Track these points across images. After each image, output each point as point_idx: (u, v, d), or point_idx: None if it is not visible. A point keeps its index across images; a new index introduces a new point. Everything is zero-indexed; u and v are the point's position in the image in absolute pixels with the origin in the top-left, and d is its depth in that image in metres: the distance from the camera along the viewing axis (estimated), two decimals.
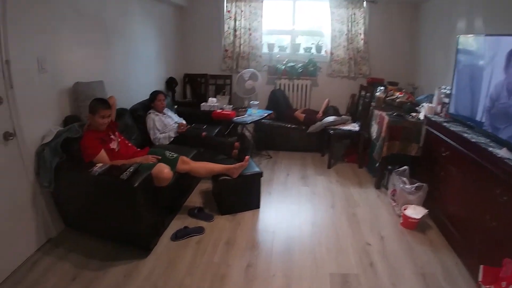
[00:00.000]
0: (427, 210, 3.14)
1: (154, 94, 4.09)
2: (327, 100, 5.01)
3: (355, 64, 5.41)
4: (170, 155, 3.23)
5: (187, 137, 4.01)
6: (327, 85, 5.59)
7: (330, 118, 4.69)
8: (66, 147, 2.77)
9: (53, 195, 2.85)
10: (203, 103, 5.00)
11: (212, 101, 4.99)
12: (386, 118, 3.74)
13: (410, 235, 3.09)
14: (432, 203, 3.26)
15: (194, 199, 3.71)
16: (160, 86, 5.07)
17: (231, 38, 5.50)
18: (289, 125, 5.00)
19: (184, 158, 3.29)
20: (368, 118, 4.36)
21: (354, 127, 4.64)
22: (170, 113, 4.32)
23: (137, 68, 4.34)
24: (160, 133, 4.01)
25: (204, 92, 5.63)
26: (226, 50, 5.58)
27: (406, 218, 3.16)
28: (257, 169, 3.44)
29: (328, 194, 3.92)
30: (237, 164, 3.27)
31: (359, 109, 4.78)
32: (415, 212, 3.15)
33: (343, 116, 4.86)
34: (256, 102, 4.82)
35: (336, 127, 4.65)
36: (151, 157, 3.08)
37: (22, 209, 2.62)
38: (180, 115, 4.61)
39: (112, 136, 3.06)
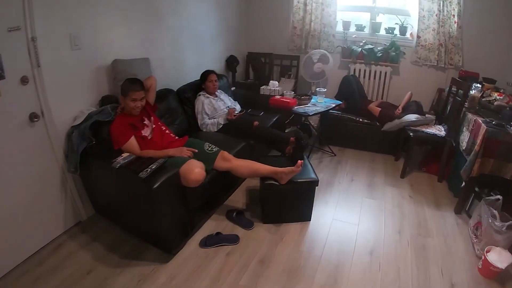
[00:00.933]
0: None
1: (205, 74, 3.68)
2: (409, 93, 4.23)
3: (445, 52, 4.49)
4: (209, 149, 2.84)
5: (237, 126, 3.56)
6: (410, 75, 4.76)
7: (412, 117, 3.95)
8: (96, 131, 2.61)
9: (82, 179, 2.78)
10: (263, 86, 4.52)
11: (274, 84, 4.49)
12: (484, 127, 2.98)
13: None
14: None
15: (237, 198, 3.34)
16: (219, 65, 4.68)
17: (301, 13, 4.86)
18: (360, 119, 4.33)
19: (225, 153, 2.87)
20: (458, 121, 3.58)
21: (440, 130, 3.88)
22: (224, 96, 3.90)
23: (191, 45, 4.00)
24: (209, 118, 3.62)
25: (268, 74, 5.14)
26: (295, 27, 4.95)
27: (487, 264, 2.49)
28: (313, 176, 2.92)
29: (397, 213, 3.28)
30: (288, 168, 2.76)
31: (448, 109, 3.99)
32: (500, 258, 2.50)
33: (427, 116, 4.07)
34: (324, 90, 4.17)
35: (418, 128, 3.91)
36: (186, 150, 2.73)
37: (51, 192, 2.61)
38: (236, 98, 4.19)
39: (146, 122, 2.77)
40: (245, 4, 5.15)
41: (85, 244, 2.66)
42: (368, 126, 4.32)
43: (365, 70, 4.78)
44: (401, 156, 4.33)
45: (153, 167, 2.30)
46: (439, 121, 4.13)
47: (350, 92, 4.43)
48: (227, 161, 2.83)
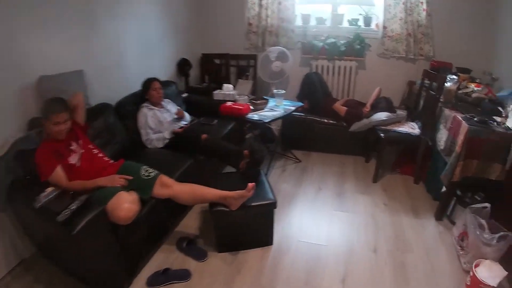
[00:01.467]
0: (506, 273, 2.11)
1: (147, 82, 3.13)
2: (378, 89, 3.77)
3: (414, 42, 4.06)
4: (146, 174, 2.33)
5: (184, 140, 3.04)
6: (377, 68, 4.31)
7: (381, 115, 3.50)
8: (23, 161, 2.17)
9: (16, 216, 2.35)
10: (216, 91, 3.98)
11: (228, 88, 3.95)
12: (465, 126, 2.55)
13: None
14: None
15: (190, 222, 2.85)
16: (169, 70, 4.12)
17: (256, 8, 4.31)
18: (325, 120, 3.85)
19: (165, 178, 2.35)
20: (433, 118, 3.15)
21: (413, 128, 3.44)
22: (171, 106, 3.34)
23: (135, 51, 3.46)
24: (154, 133, 3.07)
25: (225, 76, 4.61)
26: (250, 24, 4.40)
27: (476, 281, 2.11)
28: (269, 196, 2.44)
29: (371, 226, 2.83)
30: (237, 192, 2.26)
31: (420, 104, 3.56)
32: (490, 273, 2.12)
33: (398, 112, 3.61)
34: (282, 92, 3.63)
35: (389, 127, 3.46)
36: (118, 178, 2.21)
37: None
38: (189, 106, 3.69)
39: (73, 147, 2.27)
40: (196, 1, 4.57)
41: (29, 286, 2.28)
42: (334, 127, 3.84)
43: (328, 66, 4.28)
44: (372, 157, 3.90)
45: (73, 207, 1.89)
46: (411, 118, 3.69)
47: (312, 91, 3.94)
48: (167, 187, 2.32)
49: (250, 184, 2.24)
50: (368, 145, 3.85)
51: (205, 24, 4.65)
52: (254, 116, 3.31)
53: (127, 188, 2.19)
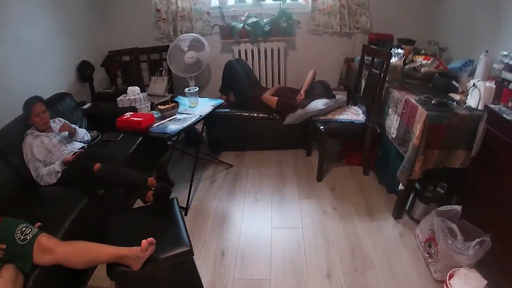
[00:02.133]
0: (486, 281, 1.72)
1: (27, 107, 2.27)
2: (312, 72, 3.12)
3: (349, 14, 3.47)
4: (22, 238, 1.54)
5: (74, 173, 2.22)
6: (309, 48, 3.67)
7: (319, 104, 2.86)
8: None
9: None
10: (120, 97, 3.14)
11: (133, 91, 3.10)
12: (423, 112, 1.99)
13: None
14: (493, 261, 1.80)
15: (103, 273, 1.95)
16: (67, 78, 3.19)
17: None
18: (255, 114, 3.18)
19: (43, 240, 1.57)
20: (379, 101, 2.57)
21: (357, 114, 2.85)
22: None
23: (18, 61, 2.57)
24: (44, 165, 2.24)
25: (136, 74, 3.76)
26: (158, 10, 3.54)
27: None
28: (183, 241, 1.71)
29: (320, 243, 2.26)
30: (131, 251, 1.54)
31: (362, 84, 2.97)
32: (468, 284, 1.73)
33: (338, 97, 3.00)
34: (195, 89, 2.80)
35: (328, 116, 2.86)
36: None
37: None
38: (92, 118, 2.94)
39: None
40: None
41: None
42: (266, 122, 3.19)
43: (252, 50, 3.57)
44: (314, 149, 3.31)
45: None
46: (353, 101, 3.11)
47: (236, 81, 3.23)
48: (47, 252, 1.55)
49: (144, 242, 1.51)
50: (307, 136, 3.24)
51: (109, 18, 3.68)
52: (158, 128, 2.40)
53: (2, 260, 1.51)
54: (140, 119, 2.34)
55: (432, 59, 2.56)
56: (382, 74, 2.45)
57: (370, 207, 2.54)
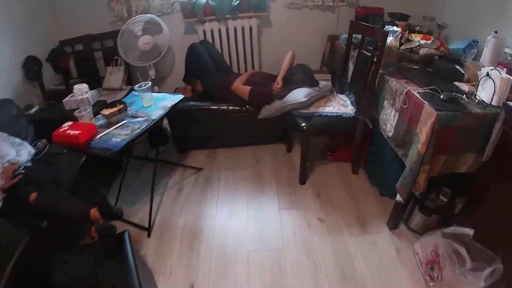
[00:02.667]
0: None
1: None
2: (290, 53, 2.59)
3: None
4: None
5: (14, 202, 1.73)
6: (286, 25, 3.12)
7: (299, 94, 2.35)
8: None
9: None
10: (66, 98, 2.57)
11: (80, 90, 2.54)
12: (430, 111, 1.54)
13: None
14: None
15: None
16: (11, 78, 2.58)
17: None
18: (225, 107, 2.66)
19: None
20: (372, 90, 2.10)
21: (345, 105, 2.38)
22: (4, 145, 1.98)
23: None
24: None
25: (92, 65, 3.15)
26: None
27: None
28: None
29: (306, 265, 1.88)
30: None
31: (350, 68, 2.49)
32: None
33: (322, 84, 2.49)
34: (147, 85, 2.19)
35: (311, 110, 2.38)
36: None
37: None
38: (40, 125, 2.40)
39: None
40: None
41: None
42: (239, 115, 2.68)
43: (220, 30, 3.01)
44: (296, 142, 2.88)
45: None
46: (339, 87, 2.63)
47: (201, 68, 2.69)
48: None
49: None
50: (287, 128, 2.76)
51: (57, 3, 3.00)
52: (100, 143, 1.85)
53: None
54: (77, 132, 1.81)
55: (432, 38, 2.07)
56: (376, 58, 1.96)
57: (361, 216, 2.15)
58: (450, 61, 1.94)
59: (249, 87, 2.52)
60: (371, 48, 2.12)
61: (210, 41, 2.93)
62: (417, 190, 1.67)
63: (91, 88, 2.63)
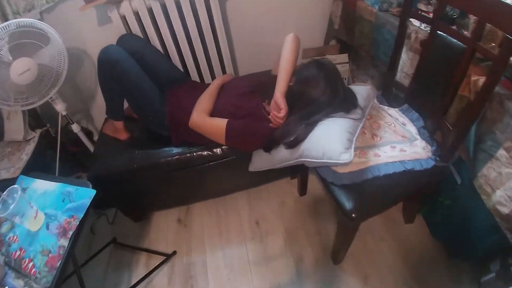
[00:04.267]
0: None
1: None
2: (290, 40, 1.29)
3: None
4: None
5: None
6: None
7: (332, 139, 1.09)
8: None
9: None
10: None
11: None
12: None
13: None
14: None
15: None
16: None
17: None
18: (188, 154, 1.43)
19: None
20: (471, 118, 0.95)
21: (411, 138, 1.21)
22: None
23: None
24: None
25: None
26: None
27: None
28: None
29: None
30: None
31: (405, 61, 1.27)
32: None
33: (361, 96, 1.25)
34: (13, 192, 1.03)
35: (356, 161, 1.10)
36: None
37: None
38: None
39: None
40: None
41: None
42: (216, 163, 1.48)
43: (151, 10, 1.56)
44: (311, 173, 1.73)
45: None
46: (387, 96, 1.43)
47: (127, 93, 1.43)
48: None
49: None
50: None
51: None
52: None
53: None
54: None
55: None
56: (500, 61, 0.80)
57: None
58: None
59: (224, 123, 1.28)
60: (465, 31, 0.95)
61: (139, 33, 1.59)
62: None
63: None
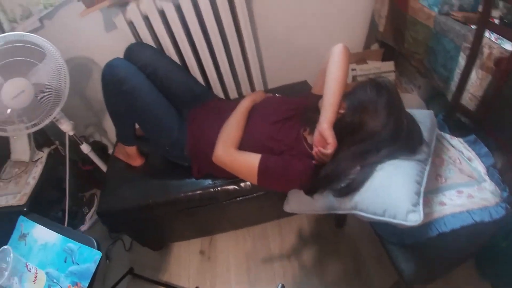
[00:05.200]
0: None
1: None
2: (338, 52, 0.98)
3: None
4: None
5: None
6: None
7: (398, 190, 0.84)
8: None
9: None
10: None
11: None
12: None
13: None
14: None
15: None
16: None
17: None
18: (212, 189, 1.20)
19: None
20: None
21: (479, 179, 0.94)
22: None
23: None
24: None
25: None
26: None
27: None
28: None
29: None
30: None
31: (475, 80, 0.98)
32: None
33: (425, 126, 0.96)
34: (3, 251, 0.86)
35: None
36: None
37: None
38: None
39: None
40: None
41: None
42: (244, 199, 1.24)
43: (163, 12, 1.29)
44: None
45: None
46: (453, 127, 1.13)
47: (140, 118, 1.18)
48: None
49: None
50: None
51: None
52: None
53: None
54: None
55: None
56: None
57: None
58: None
59: (257, 161, 1.01)
60: None
61: (151, 42, 1.32)
62: None
63: None
